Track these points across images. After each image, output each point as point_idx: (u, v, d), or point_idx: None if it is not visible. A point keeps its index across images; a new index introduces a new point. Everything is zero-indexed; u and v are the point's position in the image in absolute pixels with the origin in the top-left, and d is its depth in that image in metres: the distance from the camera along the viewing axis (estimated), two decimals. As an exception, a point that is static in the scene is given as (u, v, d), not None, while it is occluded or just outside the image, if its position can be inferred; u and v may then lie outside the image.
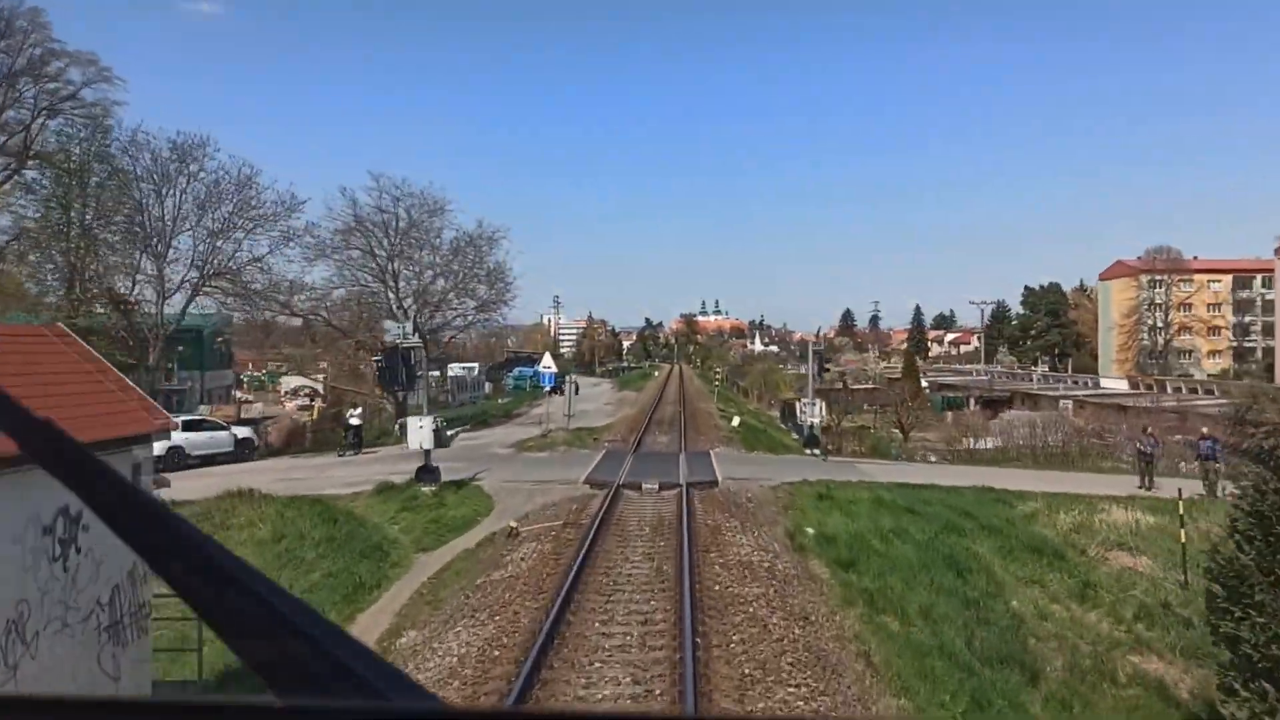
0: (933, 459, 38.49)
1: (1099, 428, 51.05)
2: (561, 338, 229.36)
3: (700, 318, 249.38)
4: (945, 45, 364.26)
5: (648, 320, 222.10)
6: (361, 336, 43.76)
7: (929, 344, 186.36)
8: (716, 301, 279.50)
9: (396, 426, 31.55)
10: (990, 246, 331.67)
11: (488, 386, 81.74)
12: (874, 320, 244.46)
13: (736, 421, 45.85)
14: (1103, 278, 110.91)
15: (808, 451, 31.91)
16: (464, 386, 70.13)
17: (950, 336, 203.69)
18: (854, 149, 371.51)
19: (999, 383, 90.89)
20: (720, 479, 23.81)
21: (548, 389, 38.55)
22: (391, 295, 44.89)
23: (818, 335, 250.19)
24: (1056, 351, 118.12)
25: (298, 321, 46.83)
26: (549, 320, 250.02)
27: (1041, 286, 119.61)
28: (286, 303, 42.43)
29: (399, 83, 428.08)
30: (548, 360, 38.35)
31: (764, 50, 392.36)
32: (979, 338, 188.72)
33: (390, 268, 44.59)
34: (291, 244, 34.82)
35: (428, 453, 21.43)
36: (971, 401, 79.81)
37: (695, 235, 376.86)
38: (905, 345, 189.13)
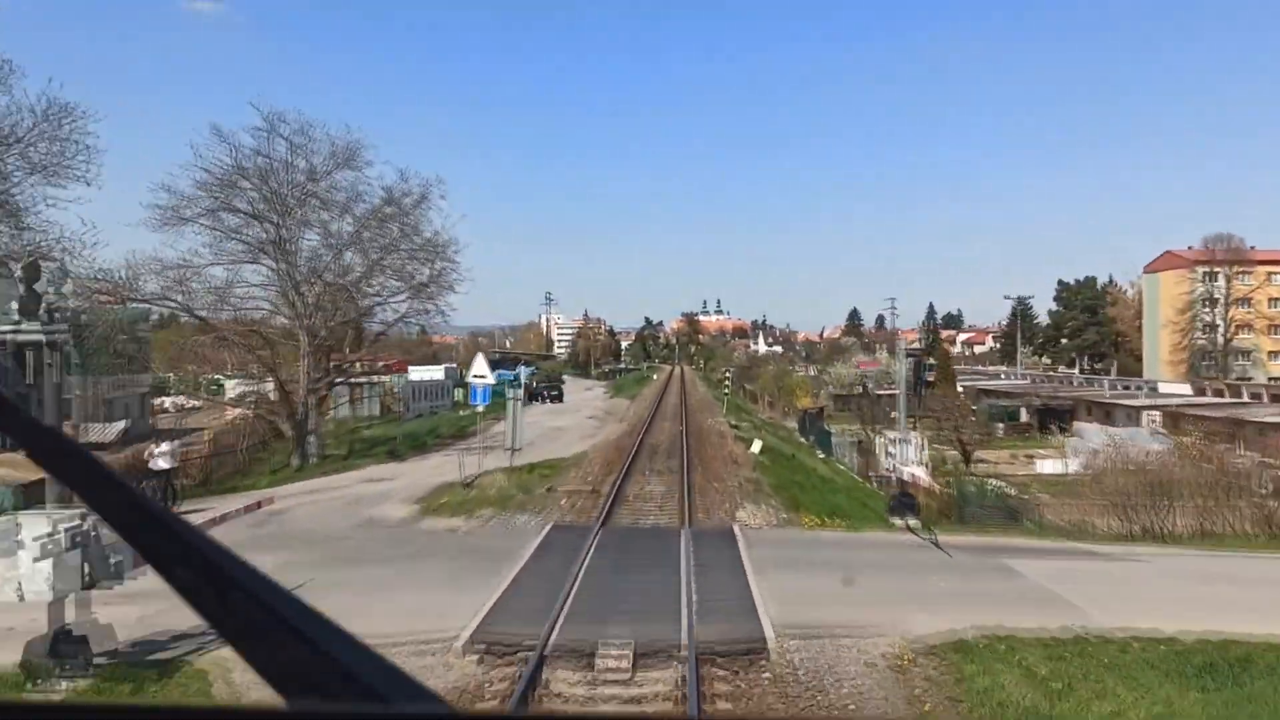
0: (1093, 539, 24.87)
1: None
2: (559, 337, 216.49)
3: (701, 317, 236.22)
4: (954, 32, 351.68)
5: (647, 319, 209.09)
6: (226, 329, 30.77)
7: (942, 344, 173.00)
8: (718, 301, 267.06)
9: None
10: (998, 244, 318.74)
11: (458, 393, 68.74)
12: (880, 320, 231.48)
13: (758, 447, 32.78)
14: (1149, 270, 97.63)
15: (896, 522, 18.67)
16: (424, 394, 57.08)
17: (963, 336, 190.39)
18: (858, 144, 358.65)
19: (1045, 388, 77.71)
20: (769, 630, 10.71)
21: (479, 408, 25.20)
22: (285, 274, 31.88)
23: (821, 335, 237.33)
24: (1094, 352, 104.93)
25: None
26: (545, 319, 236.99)
27: (1076, 281, 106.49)
28: (130, 282, 29.44)
29: (395, 82, 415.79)
30: (479, 365, 24.93)
31: (765, 39, 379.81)
32: (995, 338, 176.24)
33: (282, 236, 31.56)
34: (59, 178, 21.68)
35: (57, 605, 8.33)
36: (1024, 411, 66.54)
37: (696, 233, 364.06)
38: (915, 345, 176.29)
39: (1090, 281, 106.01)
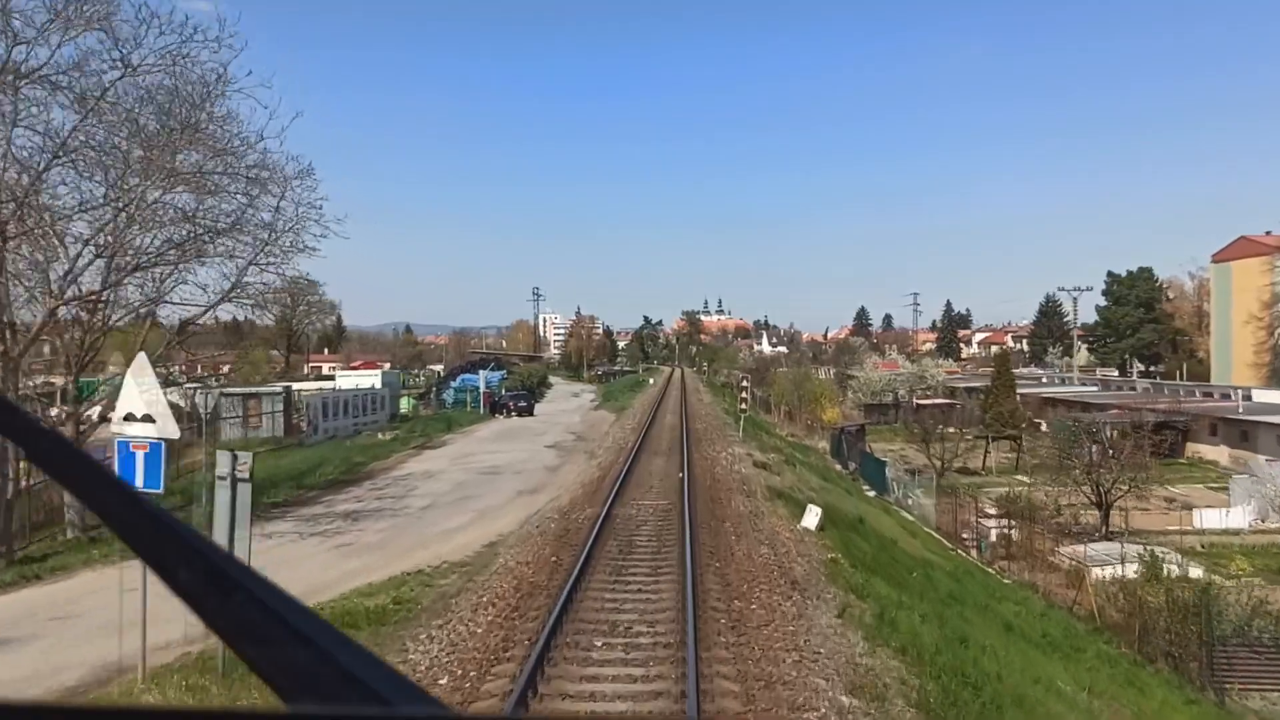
0: None
1: None
2: (555, 337, 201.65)
3: (703, 317, 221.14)
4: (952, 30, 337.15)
5: (646, 319, 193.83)
6: None
7: (959, 345, 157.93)
8: (719, 300, 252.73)
9: None
10: (1006, 242, 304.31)
11: (408, 403, 53.76)
12: (888, 320, 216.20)
13: (816, 520, 17.99)
14: (1218, 259, 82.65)
15: None
16: (344, 409, 41.98)
17: (979, 336, 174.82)
18: (863, 141, 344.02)
19: (1130, 397, 62.62)
20: None
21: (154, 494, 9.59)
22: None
23: (825, 336, 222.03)
24: (1151, 352, 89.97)
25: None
26: (534, 317, 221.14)
27: (1129, 272, 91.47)
28: None
29: (392, 78, 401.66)
30: (126, 397, 9.35)
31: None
32: (1015, 337, 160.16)
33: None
34: None
35: None
36: (1109, 430, 51.20)
37: (696, 233, 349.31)
38: (929, 346, 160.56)
39: (1145, 272, 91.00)
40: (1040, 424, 59.83)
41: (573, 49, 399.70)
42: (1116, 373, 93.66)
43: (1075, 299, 77.82)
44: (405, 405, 53.51)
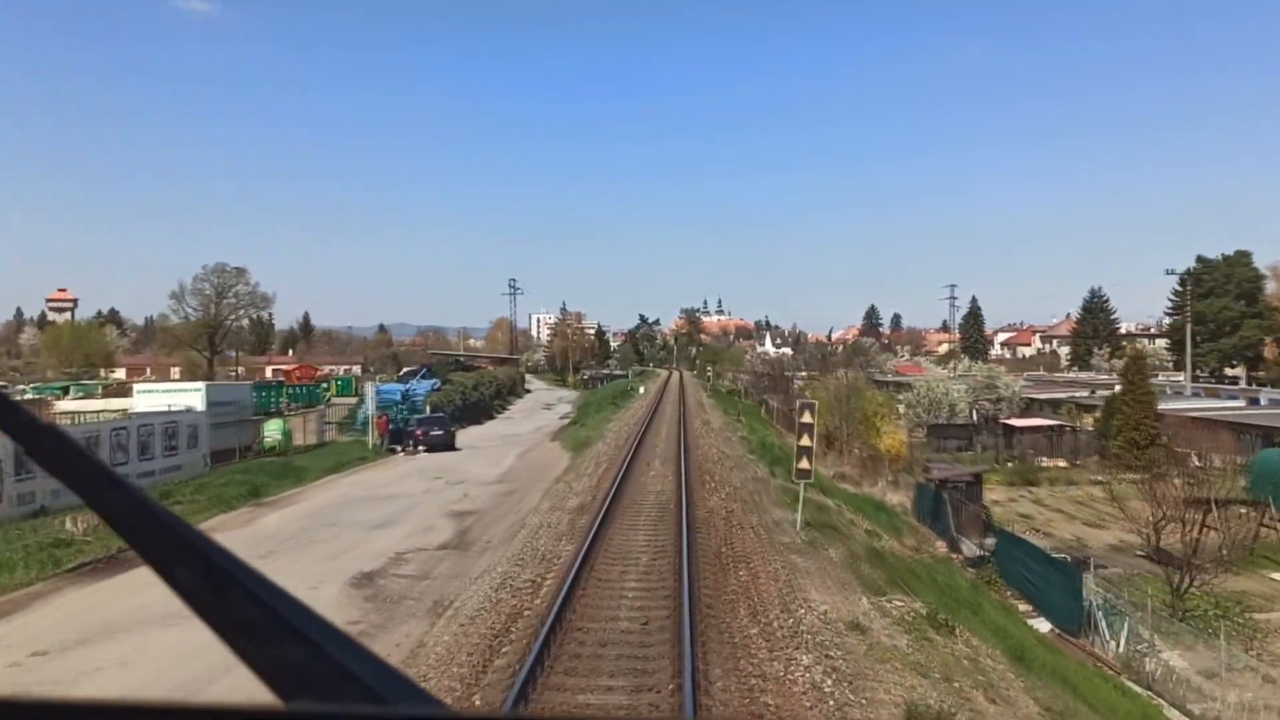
0: None
1: None
2: (548, 336, 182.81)
3: (702, 317, 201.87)
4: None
5: (642, 317, 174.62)
6: None
7: (986, 345, 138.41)
8: (719, 300, 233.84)
9: None
10: (1013, 240, 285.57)
11: (276, 430, 34.71)
12: (896, 320, 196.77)
13: None
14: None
15: None
16: (108, 446, 22.57)
17: (1003, 336, 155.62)
18: (866, 138, 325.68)
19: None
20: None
21: None
22: None
23: (829, 337, 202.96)
24: (1254, 353, 71.01)
25: None
26: (536, 318, 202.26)
27: (1224, 257, 72.48)
28: None
29: (389, 75, 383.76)
30: None
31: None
32: (1044, 338, 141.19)
33: None
34: None
35: None
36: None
37: (696, 232, 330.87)
38: (945, 347, 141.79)
39: (1243, 257, 72.00)
40: (1190, 455, 41.14)
41: (573, 49, 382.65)
42: (1182, 377, 74.93)
43: (1186, 283, 58.56)
44: (272, 433, 34.52)
